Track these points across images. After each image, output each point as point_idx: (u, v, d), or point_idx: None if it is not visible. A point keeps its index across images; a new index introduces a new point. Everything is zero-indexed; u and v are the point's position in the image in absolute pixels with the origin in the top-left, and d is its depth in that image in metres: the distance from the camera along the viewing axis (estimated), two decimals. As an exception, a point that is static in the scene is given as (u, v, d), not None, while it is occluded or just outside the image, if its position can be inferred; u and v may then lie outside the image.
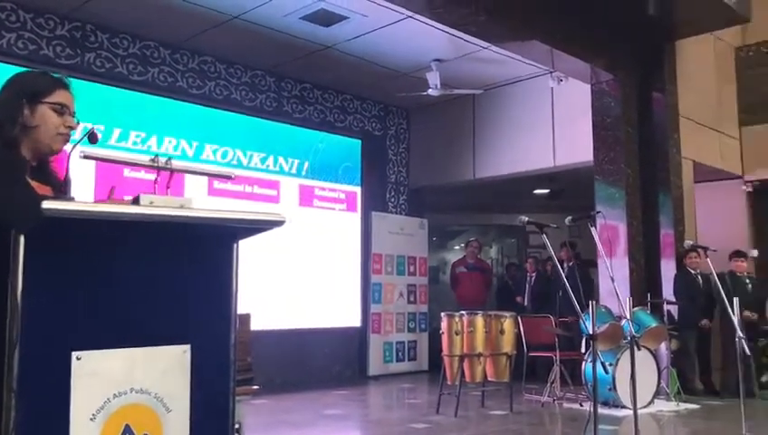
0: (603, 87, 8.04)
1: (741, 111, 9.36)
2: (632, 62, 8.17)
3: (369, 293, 9.51)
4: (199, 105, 8.19)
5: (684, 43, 8.34)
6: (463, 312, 6.54)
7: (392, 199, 10.39)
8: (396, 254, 9.89)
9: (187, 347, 1.82)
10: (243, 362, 2.88)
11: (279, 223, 1.81)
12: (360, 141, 9.96)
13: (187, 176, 6.68)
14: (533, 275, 9.88)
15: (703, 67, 8.87)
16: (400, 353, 9.74)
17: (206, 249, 1.86)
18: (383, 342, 9.53)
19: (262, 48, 8.08)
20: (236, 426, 2.69)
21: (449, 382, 6.37)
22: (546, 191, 11.49)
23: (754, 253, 8.74)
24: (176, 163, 1.87)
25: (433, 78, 8.48)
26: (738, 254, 7.86)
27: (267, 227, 1.82)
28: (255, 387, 3.03)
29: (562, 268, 7.82)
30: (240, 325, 2.54)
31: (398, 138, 10.55)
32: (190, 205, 1.76)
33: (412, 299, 10.05)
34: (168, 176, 2.03)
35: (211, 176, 5.29)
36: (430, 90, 8.57)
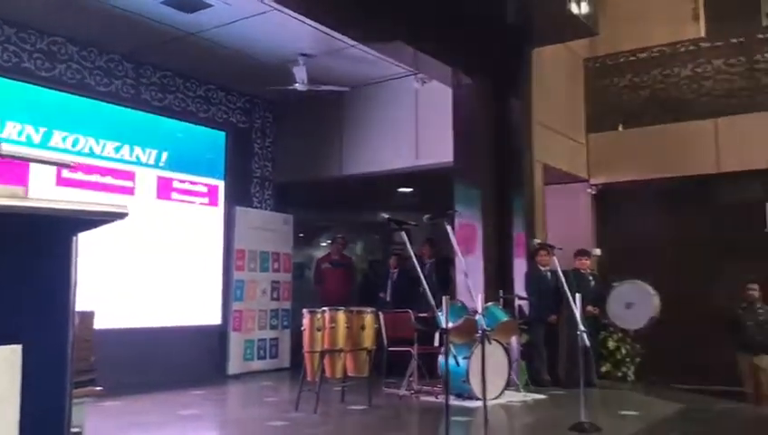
0: (464, 90, 8.32)
1: (588, 118, 10.03)
2: (492, 67, 8.50)
3: (230, 290, 9.29)
4: (48, 89, 7.66)
5: (540, 51, 8.80)
6: (325, 308, 6.54)
7: (257, 194, 10.23)
8: (259, 250, 9.73)
9: (18, 347, 1.68)
10: (85, 362, 2.72)
11: (121, 215, 1.71)
12: (224, 133, 9.71)
13: (33, 165, 6.25)
14: (396, 271, 10.07)
15: (556, 75, 9.42)
16: (262, 351, 9.60)
17: (41, 243, 1.73)
18: (244, 339, 9.35)
19: (119, 31, 7.68)
20: (76, 430, 2.55)
21: (310, 379, 6.35)
22: (410, 190, 11.74)
23: (597, 252, 9.34)
24: (6, 148, 1.72)
25: (300, 73, 8.43)
26: (582, 252, 8.36)
27: (108, 219, 1.71)
28: (99, 388, 2.88)
29: (423, 265, 8.04)
30: (81, 323, 2.40)
31: (263, 131, 10.40)
32: (22, 194, 1.63)
33: (275, 296, 9.91)
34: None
35: (47, 163, 4.95)
36: (297, 84, 8.51)
